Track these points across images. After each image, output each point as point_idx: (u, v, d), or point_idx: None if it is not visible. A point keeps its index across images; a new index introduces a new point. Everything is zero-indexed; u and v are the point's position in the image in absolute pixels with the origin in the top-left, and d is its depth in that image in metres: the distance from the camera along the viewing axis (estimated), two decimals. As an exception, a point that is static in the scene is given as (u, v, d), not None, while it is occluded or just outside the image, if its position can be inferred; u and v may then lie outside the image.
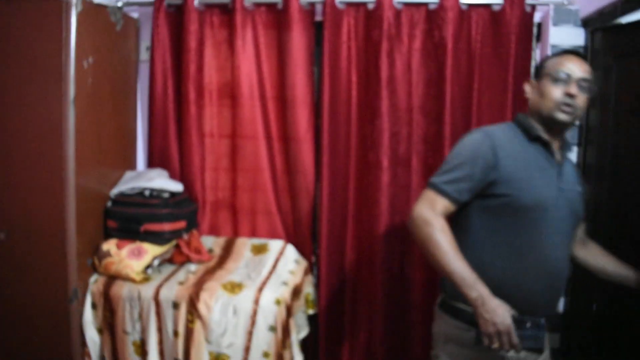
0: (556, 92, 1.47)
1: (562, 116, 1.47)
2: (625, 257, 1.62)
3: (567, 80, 1.47)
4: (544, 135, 1.52)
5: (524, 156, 1.51)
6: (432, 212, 1.46)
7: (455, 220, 1.52)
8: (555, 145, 1.54)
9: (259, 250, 2.26)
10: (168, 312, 1.98)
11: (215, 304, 1.94)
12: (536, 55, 2.19)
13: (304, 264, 2.25)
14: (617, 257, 1.63)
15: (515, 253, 1.50)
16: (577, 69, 1.47)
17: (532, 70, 2.15)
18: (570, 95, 1.45)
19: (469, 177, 1.47)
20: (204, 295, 1.95)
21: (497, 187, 1.47)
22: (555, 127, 1.51)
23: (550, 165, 1.52)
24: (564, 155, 1.57)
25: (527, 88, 1.58)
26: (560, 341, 2.19)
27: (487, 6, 2.12)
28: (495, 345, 1.32)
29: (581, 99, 1.47)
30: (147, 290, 1.99)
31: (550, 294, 1.53)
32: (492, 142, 1.49)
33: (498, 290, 1.41)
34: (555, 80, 1.48)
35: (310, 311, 2.28)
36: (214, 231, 2.39)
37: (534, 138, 1.52)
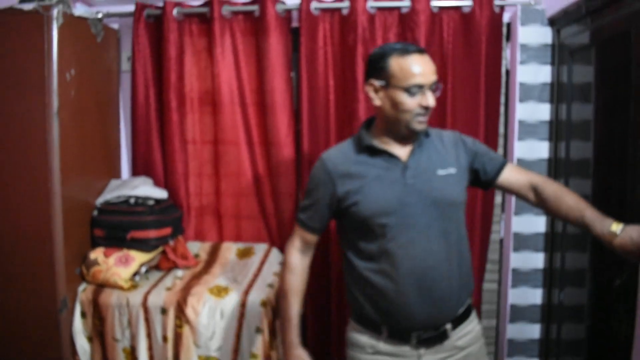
0: (411, 105, 1.44)
1: (420, 127, 1.47)
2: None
3: (420, 90, 1.44)
4: (377, 143, 1.52)
5: (357, 168, 1.52)
6: (289, 248, 1.67)
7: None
8: (395, 142, 1.52)
9: (244, 254, 2.31)
10: (156, 318, 2.01)
11: (203, 308, 1.98)
12: (507, 55, 2.26)
13: (289, 265, 2.29)
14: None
15: (380, 265, 1.49)
16: (426, 73, 1.43)
17: (503, 69, 2.22)
18: (426, 107, 1.44)
19: (315, 203, 1.59)
20: (191, 300, 1.99)
21: (343, 206, 1.52)
22: (412, 135, 1.50)
23: (391, 165, 1.50)
24: (418, 145, 1.52)
25: (372, 93, 1.51)
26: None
27: (457, 8, 2.18)
28: None
29: (433, 102, 1.45)
30: (135, 297, 2.03)
31: (426, 298, 1.47)
32: (325, 166, 1.57)
33: (378, 310, 1.51)
34: (410, 92, 1.43)
35: (298, 311, 2.32)
36: (199, 237, 2.43)
37: (363, 148, 1.53)
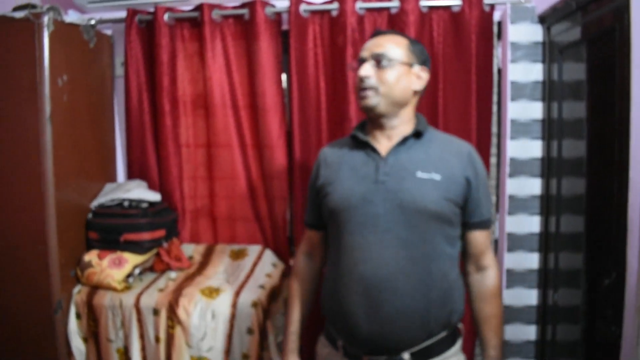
0: (356, 81, 1.42)
1: (363, 103, 1.40)
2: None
3: (361, 64, 1.40)
4: (360, 134, 1.46)
5: (339, 160, 1.48)
6: (297, 253, 1.70)
7: None
8: (382, 137, 1.45)
9: (238, 255, 2.32)
10: (149, 319, 2.03)
11: (194, 309, 2.00)
12: (498, 53, 2.24)
13: (281, 267, 2.30)
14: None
15: (336, 267, 1.41)
16: (370, 47, 1.40)
17: (495, 68, 2.20)
18: (361, 79, 1.38)
19: (310, 197, 1.60)
20: (182, 301, 2.01)
21: (320, 196, 1.50)
22: (372, 116, 1.43)
23: (369, 160, 1.42)
24: (403, 142, 1.42)
25: None
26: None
27: (446, 8, 2.17)
28: None
29: (383, 75, 1.37)
30: (128, 299, 2.05)
31: (372, 313, 1.32)
32: (318, 158, 1.58)
33: (332, 319, 1.45)
34: (354, 70, 1.43)
35: (291, 312, 2.33)
36: (194, 239, 2.45)
37: (350, 139, 1.51)
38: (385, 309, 1.31)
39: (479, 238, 1.47)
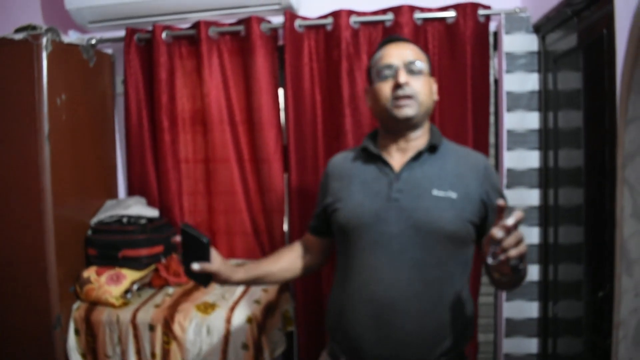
0: (385, 89, 1.32)
1: (400, 113, 1.30)
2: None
3: (392, 71, 1.32)
4: (371, 146, 1.40)
5: (350, 172, 1.42)
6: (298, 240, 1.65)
7: None
8: (395, 150, 1.38)
9: (236, 270, 2.32)
10: (145, 335, 2.04)
11: (189, 324, 2.00)
12: (494, 64, 2.22)
13: (279, 281, 2.29)
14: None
15: (344, 285, 1.36)
16: (398, 54, 1.33)
17: (491, 78, 2.19)
18: (399, 86, 1.29)
19: (318, 206, 1.55)
20: (178, 317, 2.01)
21: (329, 209, 1.44)
22: (403, 127, 1.35)
23: (381, 175, 1.36)
24: (418, 156, 1.35)
25: (366, 98, 1.45)
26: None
27: (441, 20, 2.17)
28: None
29: (417, 84, 1.31)
30: (125, 314, 2.06)
31: (381, 336, 1.27)
32: (328, 168, 1.53)
33: (336, 337, 1.37)
34: (382, 77, 1.34)
35: (290, 328, 2.32)
36: (194, 254, 2.46)
37: (361, 151, 1.43)
38: (395, 332, 1.26)
39: None
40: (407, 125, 1.35)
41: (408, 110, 1.30)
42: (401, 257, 1.27)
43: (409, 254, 1.27)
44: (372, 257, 1.30)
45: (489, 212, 1.33)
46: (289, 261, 1.56)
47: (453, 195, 1.29)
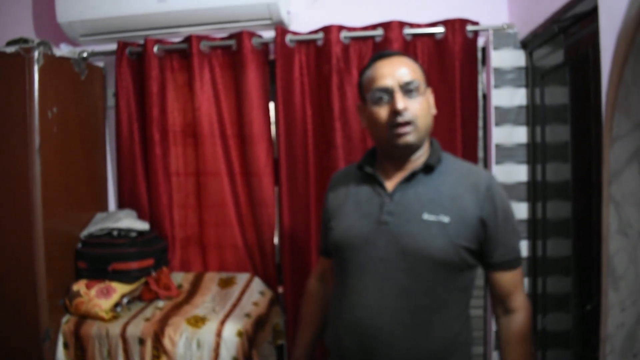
0: (381, 115, 1.26)
1: (401, 141, 1.25)
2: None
3: (389, 95, 1.26)
4: (367, 166, 1.37)
5: (347, 190, 1.39)
6: (310, 277, 1.67)
7: None
8: (392, 169, 1.34)
9: (226, 283, 2.32)
10: (135, 349, 2.03)
11: (180, 338, 1.99)
12: (483, 79, 2.25)
13: (269, 295, 2.29)
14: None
15: (335, 307, 1.35)
16: (392, 74, 1.26)
17: (480, 93, 2.22)
18: (398, 113, 1.23)
19: (322, 223, 1.54)
20: (168, 330, 2.00)
21: (327, 226, 1.43)
22: (401, 152, 1.31)
23: (374, 195, 1.32)
24: (410, 176, 1.30)
25: (360, 116, 1.39)
26: None
27: (430, 35, 2.20)
28: None
29: (415, 106, 1.25)
30: (115, 328, 2.05)
31: (364, 358, 1.24)
32: (330, 182, 1.52)
33: (329, 344, 1.38)
34: (377, 100, 1.27)
35: (280, 341, 2.31)
36: (185, 267, 2.46)
37: (358, 169, 1.40)
38: (382, 356, 1.23)
39: (502, 279, 1.32)
40: (409, 152, 1.31)
41: (409, 137, 1.26)
42: (388, 283, 1.23)
43: (395, 280, 1.23)
44: (360, 281, 1.27)
45: (492, 232, 1.28)
46: (317, 310, 1.60)
47: (445, 219, 1.23)
